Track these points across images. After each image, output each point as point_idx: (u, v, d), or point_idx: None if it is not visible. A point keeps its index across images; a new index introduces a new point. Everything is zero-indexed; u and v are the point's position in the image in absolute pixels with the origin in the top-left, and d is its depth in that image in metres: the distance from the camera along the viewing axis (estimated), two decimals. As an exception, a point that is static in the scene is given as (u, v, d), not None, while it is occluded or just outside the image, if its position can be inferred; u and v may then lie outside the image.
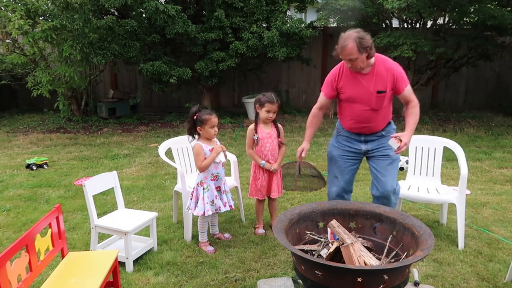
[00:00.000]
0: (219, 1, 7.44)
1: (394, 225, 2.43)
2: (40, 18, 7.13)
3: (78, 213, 4.05)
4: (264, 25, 7.93)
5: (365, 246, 2.31)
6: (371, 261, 2.15)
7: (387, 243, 2.38)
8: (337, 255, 2.23)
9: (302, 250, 2.31)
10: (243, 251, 3.26)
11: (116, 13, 8.05)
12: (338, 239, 2.25)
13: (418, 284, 2.52)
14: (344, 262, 2.15)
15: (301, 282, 2.32)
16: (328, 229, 2.39)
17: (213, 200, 3.19)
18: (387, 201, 3.04)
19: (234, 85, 9.60)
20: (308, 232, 2.49)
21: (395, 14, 8.09)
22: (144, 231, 3.47)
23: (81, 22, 6.92)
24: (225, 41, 7.71)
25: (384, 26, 8.46)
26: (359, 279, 1.92)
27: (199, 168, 3.15)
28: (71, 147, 6.74)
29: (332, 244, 2.30)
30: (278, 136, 3.43)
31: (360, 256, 2.14)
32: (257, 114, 3.38)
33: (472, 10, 7.04)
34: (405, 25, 8.24)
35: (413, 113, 2.96)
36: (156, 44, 7.82)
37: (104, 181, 3.21)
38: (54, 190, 4.72)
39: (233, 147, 6.60)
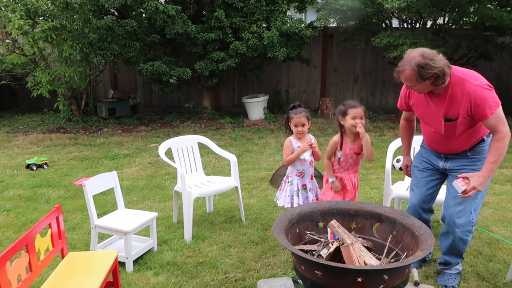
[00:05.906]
0: (219, 1, 7.44)
1: (394, 225, 2.43)
2: (40, 18, 7.13)
3: (78, 213, 4.05)
4: (264, 25, 7.93)
5: (365, 246, 2.31)
6: (371, 261, 2.15)
7: (387, 243, 2.38)
8: (337, 255, 2.23)
9: (302, 250, 2.31)
10: (243, 251, 3.26)
11: (116, 13, 8.05)
12: (338, 239, 2.25)
13: (418, 284, 2.52)
14: (344, 262, 2.15)
15: (301, 282, 2.32)
16: (328, 229, 2.39)
17: (292, 196, 3.17)
18: (451, 231, 2.63)
19: (234, 85, 9.59)
20: (308, 232, 2.49)
21: (395, 14, 8.10)
22: (144, 231, 3.48)
23: (81, 22, 6.93)
24: (225, 41, 7.72)
25: (384, 26, 8.47)
26: (359, 279, 1.92)
27: (284, 161, 3.20)
28: (71, 147, 6.74)
29: (332, 244, 2.30)
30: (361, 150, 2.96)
31: (360, 256, 2.14)
32: (341, 126, 2.91)
33: (471, 10, 7.05)
34: (405, 25, 8.25)
35: (495, 148, 2.35)
36: (156, 44, 7.82)
37: (104, 181, 3.22)
38: (54, 190, 4.72)
39: (233, 147, 6.59)
